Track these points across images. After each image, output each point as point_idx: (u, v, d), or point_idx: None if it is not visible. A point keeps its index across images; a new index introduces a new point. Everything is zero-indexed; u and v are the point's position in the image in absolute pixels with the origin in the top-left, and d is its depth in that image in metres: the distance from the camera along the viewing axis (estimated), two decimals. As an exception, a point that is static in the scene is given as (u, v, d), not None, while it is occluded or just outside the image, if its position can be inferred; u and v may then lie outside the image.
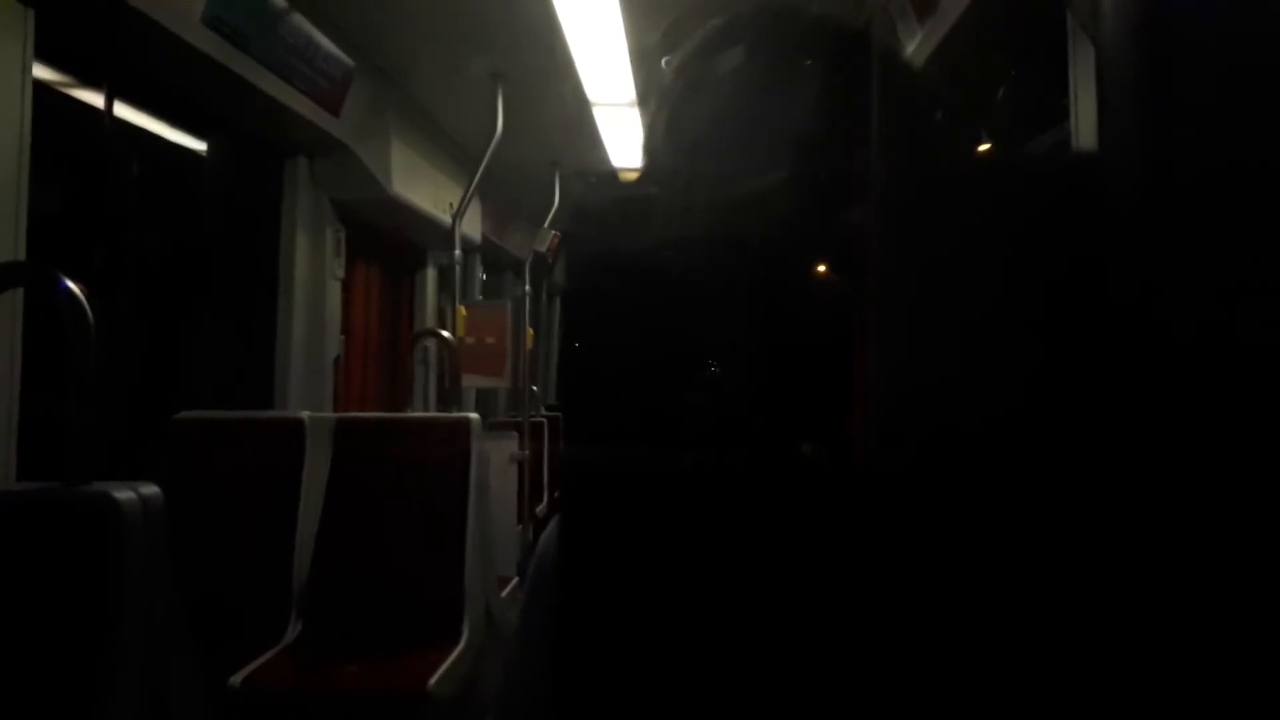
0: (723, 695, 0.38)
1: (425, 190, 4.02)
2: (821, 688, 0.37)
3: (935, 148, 0.34)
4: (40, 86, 2.04)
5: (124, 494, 1.25)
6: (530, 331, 5.16)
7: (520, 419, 4.73)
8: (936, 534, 0.34)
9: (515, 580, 3.74)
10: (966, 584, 0.34)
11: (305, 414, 2.80)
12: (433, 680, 2.26)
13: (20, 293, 1.88)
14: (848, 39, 0.39)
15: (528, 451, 4.59)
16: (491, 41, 3.25)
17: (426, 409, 4.33)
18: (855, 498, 0.36)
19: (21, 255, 1.91)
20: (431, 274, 4.88)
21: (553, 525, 0.54)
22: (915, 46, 1.72)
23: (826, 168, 0.40)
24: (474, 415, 2.90)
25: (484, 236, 5.11)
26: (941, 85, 0.37)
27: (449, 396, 3.59)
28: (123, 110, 2.60)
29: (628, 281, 0.41)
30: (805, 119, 0.42)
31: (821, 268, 0.38)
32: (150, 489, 1.30)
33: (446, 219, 4.07)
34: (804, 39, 0.45)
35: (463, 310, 4.26)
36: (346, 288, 3.82)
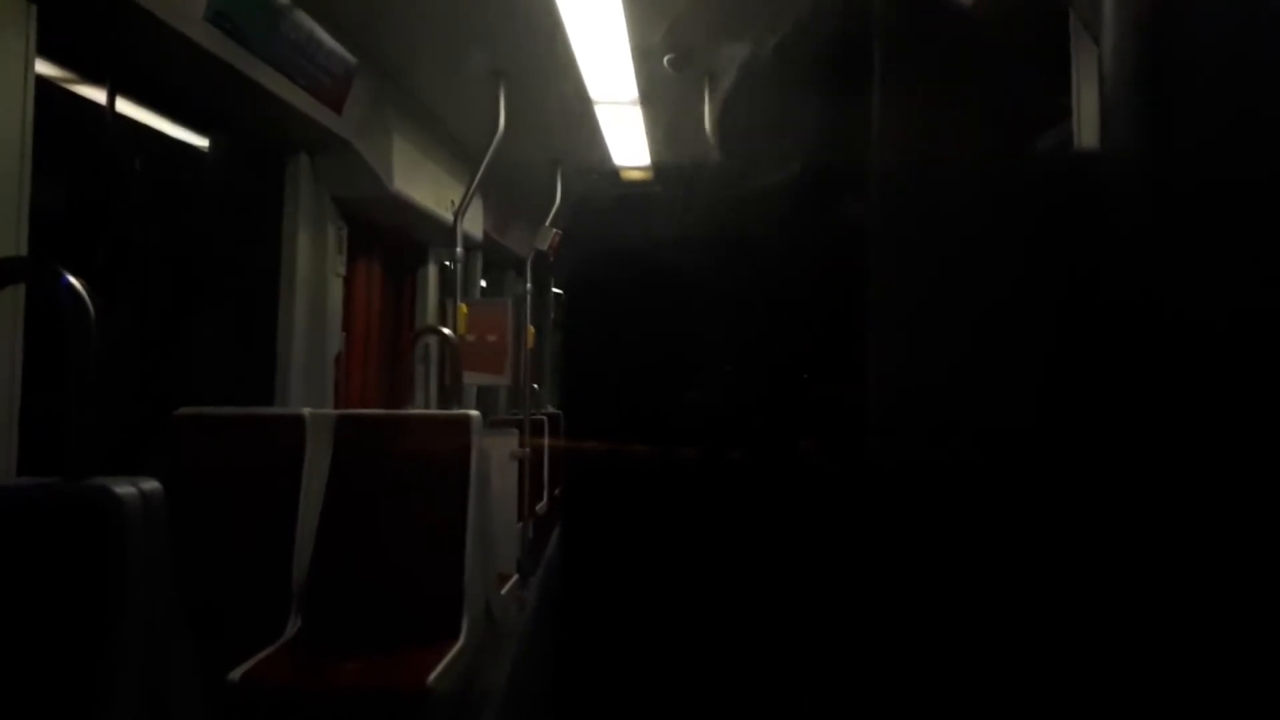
0: (723, 692, 0.38)
1: (427, 187, 4.01)
2: (822, 684, 0.37)
3: (937, 142, 0.34)
4: (42, 82, 2.04)
5: (124, 489, 1.25)
6: (531, 329, 5.16)
7: (521, 416, 4.73)
8: (936, 533, 0.34)
9: (515, 577, 3.75)
10: (966, 583, 0.34)
11: (306, 410, 2.80)
12: (432, 677, 2.26)
13: (22, 288, 1.88)
14: (853, 30, 0.39)
15: (528, 449, 4.59)
16: (493, 39, 3.25)
17: (427, 406, 4.34)
18: (855, 496, 0.36)
19: (23, 251, 1.91)
20: (433, 271, 4.88)
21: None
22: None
23: (830, 166, 0.40)
24: (474, 412, 2.90)
25: (485, 234, 5.10)
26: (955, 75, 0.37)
27: (450, 394, 3.60)
28: (125, 106, 2.60)
29: (629, 279, 0.41)
30: (810, 116, 0.42)
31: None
32: (151, 484, 1.30)
33: (448, 216, 4.06)
34: (810, 32, 0.44)
35: (464, 308, 4.26)
36: (348, 285, 3.82)
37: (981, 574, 0.33)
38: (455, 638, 2.51)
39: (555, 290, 6.47)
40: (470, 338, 4.36)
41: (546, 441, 5.26)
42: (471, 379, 4.58)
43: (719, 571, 0.39)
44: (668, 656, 0.39)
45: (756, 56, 0.48)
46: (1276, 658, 0.30)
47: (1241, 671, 0.30)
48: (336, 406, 3.59)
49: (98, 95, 2.48)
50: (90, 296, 1.30)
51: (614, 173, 4.53)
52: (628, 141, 4.24)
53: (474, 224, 4.69)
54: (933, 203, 0.34)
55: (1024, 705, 0.33)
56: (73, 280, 1.30)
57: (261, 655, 2.38)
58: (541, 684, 0.47)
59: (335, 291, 3.63)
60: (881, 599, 0.35)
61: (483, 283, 5.99)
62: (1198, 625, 0.31)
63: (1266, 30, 0.30)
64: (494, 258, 6.15)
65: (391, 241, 4.36)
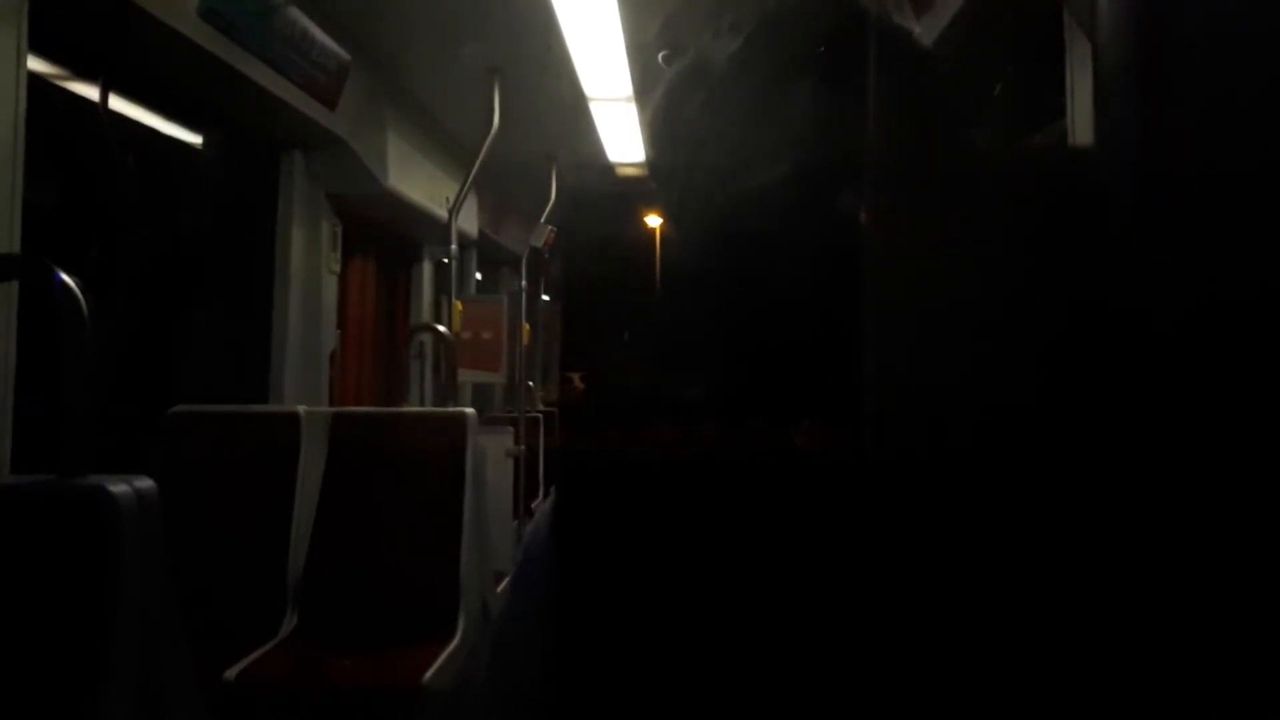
0: (720, 687, 0.38)
1: (421, 184, 4.01)
2: (819, 679, 0.37)
3: (934, 135, 0.34)
4: (35, 79, 2.03)
5: (119, 487, 1.25)
6: (526, 326, 5.16)
7: (516, 414, 4.73)
8: (932, 527, 0.34)
9: (510, 575, 3.74)
10: (962, 577, 0.34)
11: (301, 408, 2.80)
12: (427, 675, 2.26)
13: (15, 286, 1.88)
14: (847, 23, 0.39)
15: (523, 446, 4.59)
16: (488, 35, 3.24)
17: (423, 404, 4.33)
18: (852, 491, 0.36)
19: (16, 248, 1.91)
20: (428, 268, 4.88)
21: (538, 520, 0.54)
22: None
23: (827, 160, 0.40)
24: (469, 410, 2.90)
25: (480, 231, 5.10)
26: (946, 69, 0.37)
27: (445, 391, 3.59)
28: (118, 103, 2.59)
29: (625, 274, 0.41)
30: (806, 110, 0.42)
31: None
32: (145, 483, 1.29)
33: (443, 213, 4.06)
34: (802, 25, 0.44)
35: (459, 305, 4.25)
36: (342, 282, 3.81)
37: (977, 568, 0.33)
38: (451, 636, 2.51)
39: (544, 297, 6.46)
40: (465, 335, 4.35)
41: (542, 439, 5.25)
42: (467, 376, 4.57)
43: (716, 567, 0.39)
44: (664, 654, 0.39)
45: (710, 52, 0.48)
46: (1263, 651, 0.30)
47: (1231, 665, 0.31)
48: (331, 404, 3.58)
49: (90, 92, 2.47)
50: (84, 294, 1.29)
51: (609, 169, 4.53)
52: (623, 138, 4.24)
53: (469, 221, 4.69)
54: (928, 197, 0.34)
55: (1021, 699, 0.33)
56: (66, 278, 1.30)
57: (257, 653, 2.37)
58: (533, 673, 0.47)
59: (330, 288, 3.63)
60: (878, 593, 0.35)
61: (478, 276, 5.98)
62: (1191, 621, 0.31)
63: (1260, 22, 0.30)
64: (489, 255, 6.15)
65: (386, 238, 4.36)
